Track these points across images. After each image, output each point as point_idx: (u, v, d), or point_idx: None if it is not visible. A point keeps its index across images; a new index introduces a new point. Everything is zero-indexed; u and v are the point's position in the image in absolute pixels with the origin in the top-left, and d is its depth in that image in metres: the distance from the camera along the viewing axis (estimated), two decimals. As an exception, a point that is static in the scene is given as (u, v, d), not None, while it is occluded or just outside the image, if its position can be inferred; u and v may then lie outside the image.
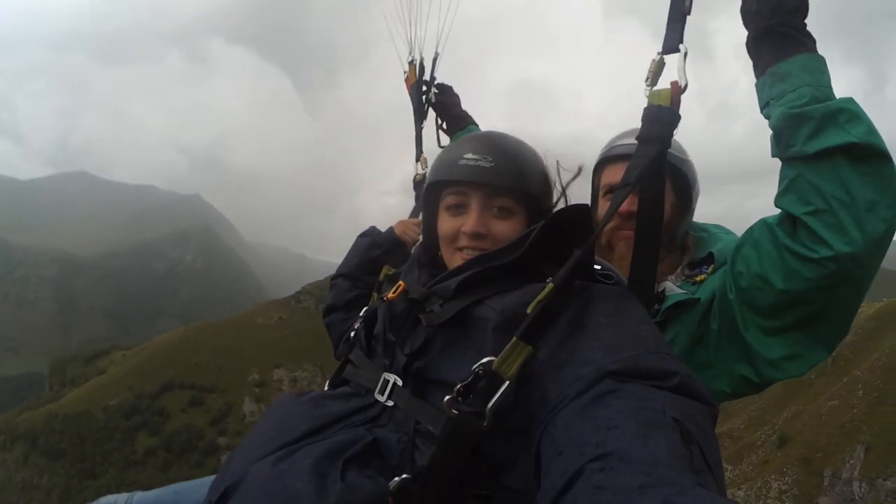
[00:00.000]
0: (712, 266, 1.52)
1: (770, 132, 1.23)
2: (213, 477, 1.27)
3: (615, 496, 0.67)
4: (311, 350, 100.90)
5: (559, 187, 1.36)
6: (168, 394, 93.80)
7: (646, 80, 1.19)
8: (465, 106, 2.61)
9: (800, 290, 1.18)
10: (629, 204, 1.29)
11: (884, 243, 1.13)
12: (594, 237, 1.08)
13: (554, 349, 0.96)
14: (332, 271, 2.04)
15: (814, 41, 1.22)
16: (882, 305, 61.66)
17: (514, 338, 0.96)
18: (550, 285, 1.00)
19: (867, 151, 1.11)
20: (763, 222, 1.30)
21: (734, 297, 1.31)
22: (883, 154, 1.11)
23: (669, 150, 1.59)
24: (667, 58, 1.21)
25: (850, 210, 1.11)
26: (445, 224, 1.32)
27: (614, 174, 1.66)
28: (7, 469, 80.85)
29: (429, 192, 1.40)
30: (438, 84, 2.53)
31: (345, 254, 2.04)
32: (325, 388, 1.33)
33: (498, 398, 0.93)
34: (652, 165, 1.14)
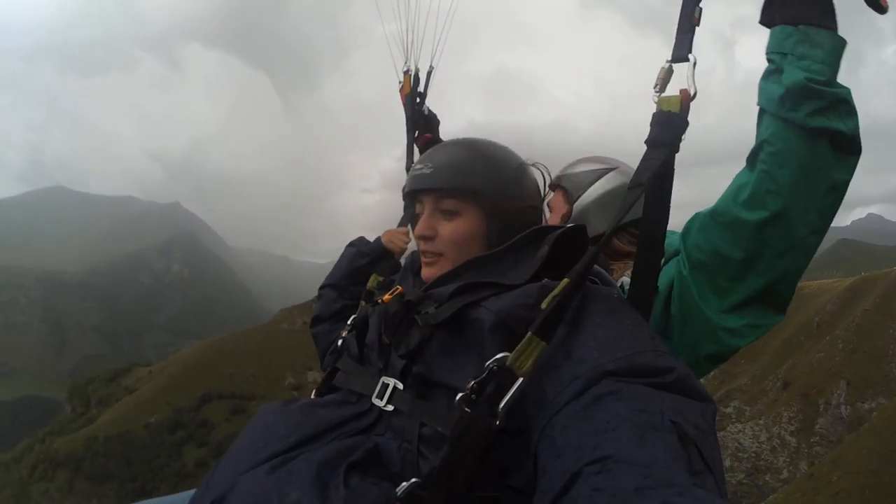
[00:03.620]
0: (662, 259, 1.53)
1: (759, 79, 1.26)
2: (187, 494, 1.19)
3: (613, 497, 0.67)
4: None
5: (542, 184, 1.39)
6: (208, 405, 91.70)
7: (654, 87, 1.20)
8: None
9: (752, 256, 1.23)
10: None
11: (822, 217, 1.20)
12: (606, 238, 1.08)
13: (550, 348, 0.95)
14: (316, 272, 1.85)
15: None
16: (857, 278, 79.94)
17: (529, 333, 0.94)
18: (566, 280, 0.99)
19: (851, 143, 1.19)
20: (702, 212, 1.34)
21: (688, 272, 1.33)
22: (859, 151, 1.20)
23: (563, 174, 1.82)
24: (675, 66, 1.22)
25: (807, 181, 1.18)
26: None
27: (553, 199, 1.87)
28: (51, 499, 77.86)
29: (407, 206, 1.47)
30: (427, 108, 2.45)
31: (328, 254, 1.95)
32: (312, 396, 1.29)
33: (512, 395, 0.91)
34: (662, 169, 1.13)
